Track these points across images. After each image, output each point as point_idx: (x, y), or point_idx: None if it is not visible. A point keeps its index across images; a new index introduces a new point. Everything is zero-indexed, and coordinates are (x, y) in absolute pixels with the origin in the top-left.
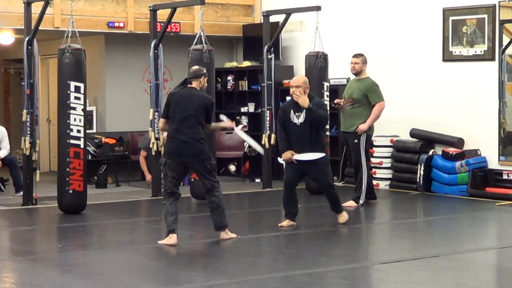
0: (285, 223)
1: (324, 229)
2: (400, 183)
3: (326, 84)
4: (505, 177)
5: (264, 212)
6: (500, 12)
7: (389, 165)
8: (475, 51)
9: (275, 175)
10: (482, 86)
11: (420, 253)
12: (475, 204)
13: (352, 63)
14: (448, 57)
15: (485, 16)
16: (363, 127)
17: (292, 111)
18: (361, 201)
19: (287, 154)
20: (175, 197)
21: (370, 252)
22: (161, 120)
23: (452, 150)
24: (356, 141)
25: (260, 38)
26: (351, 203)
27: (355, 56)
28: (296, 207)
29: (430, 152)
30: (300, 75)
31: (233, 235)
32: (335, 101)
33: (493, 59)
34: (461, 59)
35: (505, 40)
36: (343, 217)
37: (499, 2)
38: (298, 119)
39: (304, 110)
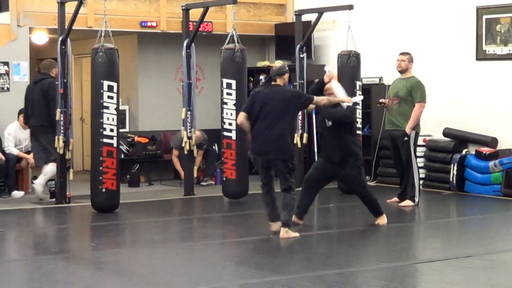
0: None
1: (356, 228)
2: (433, 183)
3: (358, 83)
4: None
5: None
6: None
7: (422, 164)
8: (509, 50)
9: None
10: None
11: (453, 253)
12: (508, 204)
13: (398, 60)
14: (481, 56)
15: None
16: (407, 130)
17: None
18: (416, 199)
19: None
20: (266, 189)
21: (403, 252)
22: (242, 114)
23: (485, 150)
24: (406, 138)
25: (292, 37)
26: (407, 203)
27: (402, 54)
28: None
29: (464, 152)
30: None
31: (295, 234)
32: (380, 101)
33: None
34: (494, 58)
35: None
36: (382, 219)
37: None
38: (330, 121)
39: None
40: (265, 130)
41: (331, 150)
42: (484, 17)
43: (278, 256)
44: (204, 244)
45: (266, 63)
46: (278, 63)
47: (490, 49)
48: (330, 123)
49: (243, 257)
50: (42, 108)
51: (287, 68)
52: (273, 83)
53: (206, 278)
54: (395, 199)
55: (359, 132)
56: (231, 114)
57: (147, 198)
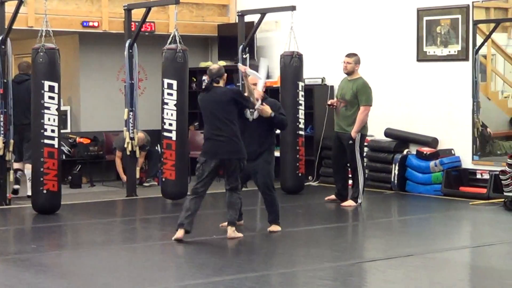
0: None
1: (299, 229)
2: (374, 183)
3: (301, 84)
4: (478, 176)
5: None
6: (473, 13)
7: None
8: (449, 51)
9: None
10: (456, 86)
11: (394, 252)
12: (449, 204)
13: (344, 62)
14: (422, 57)
15: (459, 16)
16: (353, 134)
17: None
18: (359, 200)
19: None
20: (199, 196)
21: (346, 252)
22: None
23: (426, 150)
24: (351, 142)
25: (235, 38)
26: (350, 203)
27: (348, 55)
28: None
29: (405, 152)
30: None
31: (239, 235)
32: (329, 102)
33: (466, 59)
34: (435, 59)
35: (479, 40)
36: (275, 228)
37: (473, 2)
38: (252, 115)
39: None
40: (216, 131)
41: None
42: (425, 18)
43: (221, 256)
44: (146, 245)
45: (209, 63)
46: (215, 65)
47: (431, 50)
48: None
49: (186, 258)
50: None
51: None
52: (215, 84)
53: (149, 280)
54: (333, 196)
55: (301, 132)
56: (172, 114)
57: (89, 199)
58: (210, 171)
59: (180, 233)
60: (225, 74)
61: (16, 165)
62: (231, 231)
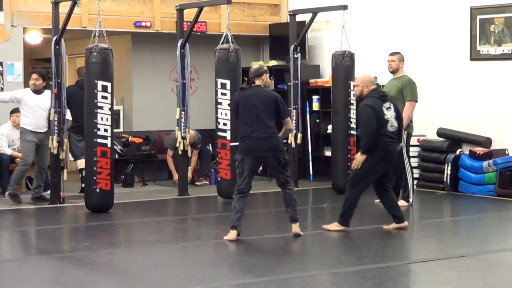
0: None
1: (350, 228)
2: (427, 183)
3: (352, 83)
4: None
5: (274, 213)
6: None
7: (416, 164)
8: (503, 50)
9: (301, 175)
10: (510, 85)
11: (447, 253)
12: (502, 204)
13: (388, 61)
14: (475, 56)
15: None
16: None
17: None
18: (410, 200)
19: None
20: (244, 194)
21: (397, 252)
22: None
23: (479, 150)
24: None
25: (287, 37)
26: (402, 203)
27: (392, 54)
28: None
29: (457, 152)
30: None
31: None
32: None
33: None
34: (488, 58)
35: None
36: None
37: None
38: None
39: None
40: (254, 129)
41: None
42: (478, 17)
43: (272, 256)
44: (198, 244)
45: (260, 63)
46: (256, 65)
47: (484, 49)
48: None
49: (237, 257)
50: None
51: (265, 68)
52: (253, 85)
53: (201, 279)
54: None
55: (353, 132)
56: (226, 114)
57: (141, 198)
58: (249, 169)
59: (233, 234)
60: (265, 75)
61: (80, 165)
62: (296, 227)
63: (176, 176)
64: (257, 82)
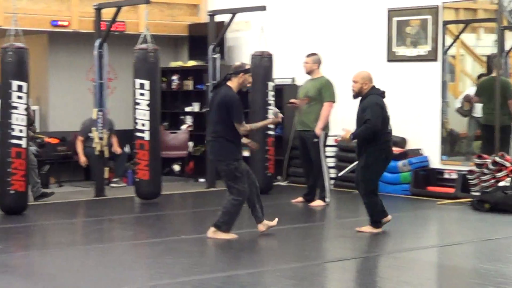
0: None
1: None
2: (343, 183)
3: (271, 84)
4: (446, 176)
5: (208, 212)
6: (443, 13)
7: (333, 164)
8: (419, 52)
9: (218, 175)
10: (425, 86)
11: (362, 251)
12: (417, 203)
13: (304, 62)
14: (392, 57)
15: (429, 17)
16: (317, 131)
17: None
18: (327, 199)
19: None
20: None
21: (314, 251)
22: None
23: (394, 150)
24: (315, 140)
25: (206, 38)
26: (318, 202)
27: (307, 55)
28: None
29: None
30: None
31: (224, 237)
32: (290, 101)
33: (436, 59)
34: (404, 59)
35: (448, 40)
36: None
37: (442, 3)
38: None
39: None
40: (208, 132)
41: None
42: (395, 19)
43: (189, 256)
44: (114, 246)
45: (179, 63)
46: (237, 63)
47: (401, 50)
48: None
49: (154, 258)
50: None
51: (246, 67)
52: (227, 82)
53: (116, 280)
54: (300, 199)
55: (271, 132)
56: (144, 114)
57: (57, 200)
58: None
59: (265, 224)
60: (244, 74)
61: None
62: (211, 231)
63: (82, 160)
64: (233, 80)
